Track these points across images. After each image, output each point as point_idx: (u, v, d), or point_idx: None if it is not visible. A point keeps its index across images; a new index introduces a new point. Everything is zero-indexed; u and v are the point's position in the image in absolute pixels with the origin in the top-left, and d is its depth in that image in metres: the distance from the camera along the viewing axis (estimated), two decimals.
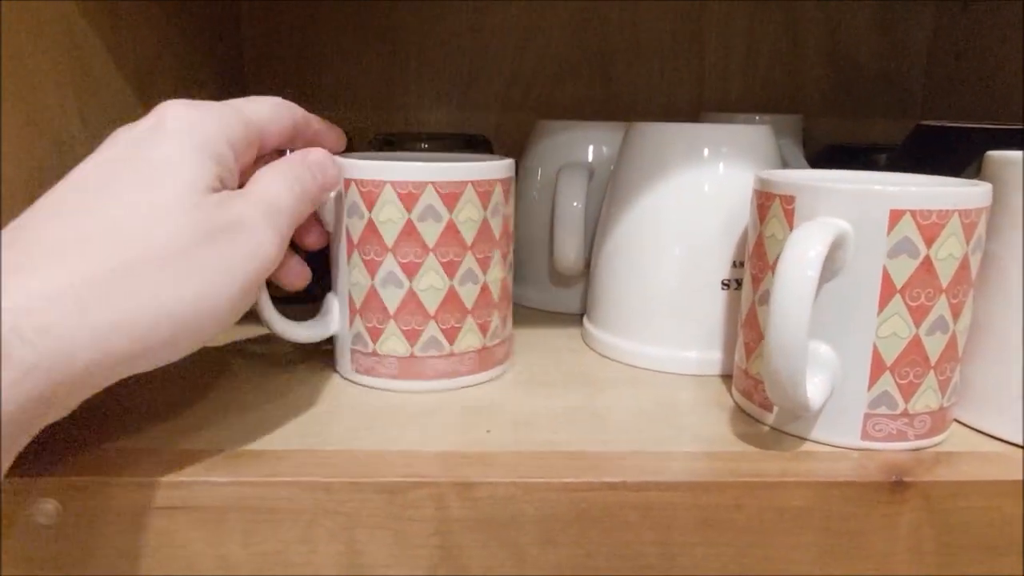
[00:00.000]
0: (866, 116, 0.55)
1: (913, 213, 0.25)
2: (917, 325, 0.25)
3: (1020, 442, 0.27)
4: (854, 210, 0.25)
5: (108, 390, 0.32)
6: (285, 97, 0.54)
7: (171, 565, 0.25)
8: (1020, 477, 0.25)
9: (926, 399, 0.26)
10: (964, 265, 0.26)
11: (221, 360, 0.36)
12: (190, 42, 0.43)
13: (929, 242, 0.25)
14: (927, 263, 0.25)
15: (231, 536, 0.24)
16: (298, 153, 0.29)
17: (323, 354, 0.37)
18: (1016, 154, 0.27)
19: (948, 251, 0.25)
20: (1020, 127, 0.36)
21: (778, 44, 0.54)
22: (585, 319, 0.40)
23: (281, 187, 0.26)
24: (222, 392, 0.32)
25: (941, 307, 0.25)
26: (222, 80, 0.48)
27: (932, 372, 0.26)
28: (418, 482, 0.24)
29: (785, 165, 0.43)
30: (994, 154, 0.29)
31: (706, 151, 0.34)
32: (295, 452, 0.26)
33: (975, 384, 0.29)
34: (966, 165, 0.35)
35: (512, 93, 0.54)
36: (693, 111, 0.54)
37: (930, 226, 0.25)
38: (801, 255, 0.24)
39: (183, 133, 0.24)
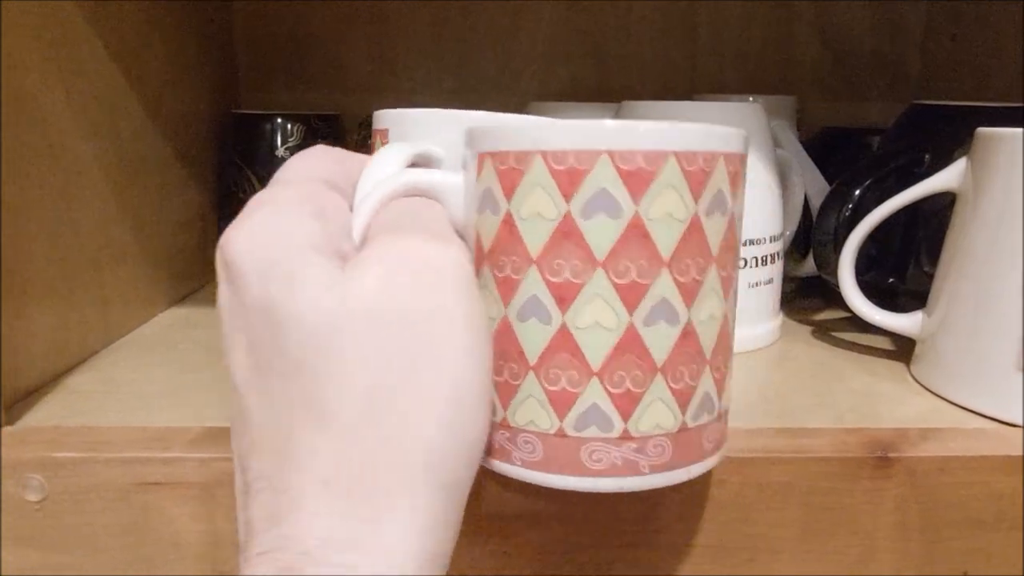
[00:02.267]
0: (862, 98, 0.55)
1: (493, 156, 0.19)
2: (505, 305, 0.19)
3: (1005, 418, 0.27)
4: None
5: (93, 367, 0.32)
6: (276, 80, 0.53)
7: (159, 541, 0.25)
8: (1005, 452, 0.25)
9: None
10: (565, 228, 0.18)
11: (204, 338, 0.36)
12: (179, 23, 0.42)
13: (508, 194, 0.19)
14: (508, 220, 0.19)
15: (219, 511, 0.25)
16: None
17: None
18: (1000, 131, 0.27)
19: (534, 209, 0.19)
20: (1013, 105, 0.36)
21: (772, 26, 0.54)
22: None
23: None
24: (208, 368, 0.32)
25: (532, 282, 0.19)
26: (213, 63, 0.48)
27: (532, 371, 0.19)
28: None
29: (778, 145, 0.43)
30: (983, 130, 0.29)
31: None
32: None
33: (958, 361, 0.29)
34: (960, 143, 0.35)
35: (503, 76, 0.54)
36: (686, 93, 0.53)
37: (508, 172, 0.19)
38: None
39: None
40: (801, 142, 0.46)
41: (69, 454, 0.24)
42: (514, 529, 0.25)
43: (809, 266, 0.41)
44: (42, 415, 0.27)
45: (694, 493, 0.25)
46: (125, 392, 0.29)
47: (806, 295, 0.44)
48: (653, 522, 0.25)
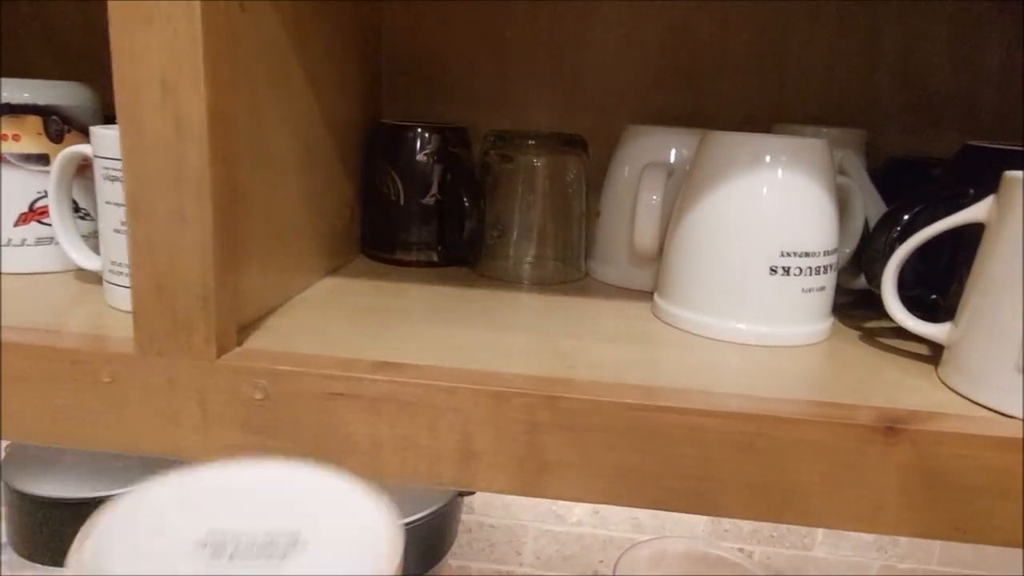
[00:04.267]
0: (938, 131, 0.59)
1: None
2: None
3: (1007, 411, 0.33)
4: None
5: (282, 315, 0.41)
6: (414, 95, 0.63)
7: (337, 436, 0.34)
8: (998, 434, 0.31)
9: None
10: None
11: (358, 300, 0.46)
12: (347, 51, 0.53)
13: None
14: None
15: (381, 421, 0.34)
16: None
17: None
18: (1015, 173, 0.33)
19: None
20: None
21: (855, 62, 0.59)
22: (655, 294, 0.47)
23: None
24: (367, 320, 0.41)
25: None
26: (365, 81, 0.59)
27: None
28: (519, 392, 0.33)
29: (844, 173, 0.49)
30: (1007, 173, 0.35)
31: (767, 158, 0.41)
32: (430, 366, 0.35)
33: (973, 363, 0.35)
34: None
35: (607, 100, 0.62)
36: (770, 121, 0.60)
37: None
38: None
39: None
40: (870, 170, 0.52)
41: (286, 368, 0.34)
42: (596, 449, 0.33)
43: (863, 281, 0.47)
44: (257, 343, 0.38)
45: (740, 441, 0.32)
46: (311, 333, 0.39)
47: (859, 307, 0.50)
48: (707, 459, 0.33)
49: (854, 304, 0.50)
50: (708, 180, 0.43)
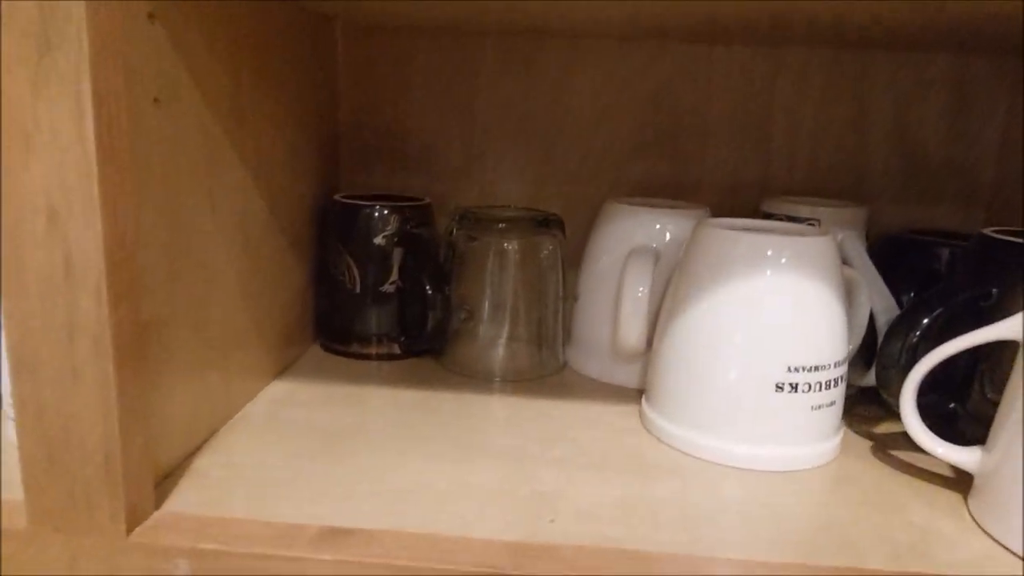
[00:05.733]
0: (932, 204, 0.56)
1: None
2: None
3: None
4: None
5: (215, 449, 0.35)
6: (375, 166, 0.58)
7: None
8: None
9: None
10: None
11: (307, 417, 0.40)
12: (296, 121, 0.47)
13: None
14: None
15: None
16: None
17: (411, 433, 0.41)
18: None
19: None
20: None
21: (845, 130, 0.55)
22: (644, 400, 0.42)
23: None
24: (316, 455, 0.36)
25: None
26: (319, 152, 0.53)
27: None
28: (493, 574, 0.28)
29: (845, 259, 0.44)
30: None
31: (770, 259, 0.36)
32: (384, 532, 0.30)
33: (1013, 508, 0.30)
34: None
35: (583, 169, 0.57)
36: (758, 192, 0.56)
37: None
38: None
39: None
40: (867, 246, 0.48)
41: (210, 546, 0.28)
42: None
43: (871, 378, 0.43)
44: (180, 501, 0.32)
45: None
46: (247, 479, 0.34)
47: (866, 401, 0.45)
48: None
49: (858, 398, 0.45)
50: (703, 281, 0.38)
